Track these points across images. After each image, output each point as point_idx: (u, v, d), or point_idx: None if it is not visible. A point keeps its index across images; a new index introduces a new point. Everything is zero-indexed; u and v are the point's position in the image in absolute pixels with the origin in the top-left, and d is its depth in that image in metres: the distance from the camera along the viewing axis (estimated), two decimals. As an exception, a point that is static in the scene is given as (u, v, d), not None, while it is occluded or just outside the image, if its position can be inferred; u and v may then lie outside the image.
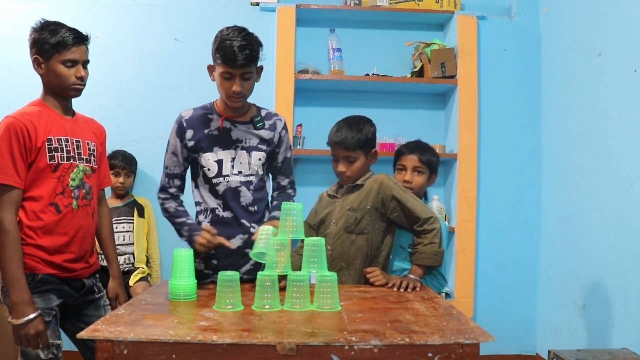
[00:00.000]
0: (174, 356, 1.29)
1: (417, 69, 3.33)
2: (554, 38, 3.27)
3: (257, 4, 3.38)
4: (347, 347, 1.29)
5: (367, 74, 3.30)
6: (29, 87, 3.29)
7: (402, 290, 1.87)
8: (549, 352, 2.27)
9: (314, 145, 3.20)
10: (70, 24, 3.36)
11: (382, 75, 3.28)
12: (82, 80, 1.85)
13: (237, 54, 1.82)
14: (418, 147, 2.28)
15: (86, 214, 1.89)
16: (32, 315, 1.70)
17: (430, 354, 1.30)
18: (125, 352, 1.29)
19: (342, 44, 3.30)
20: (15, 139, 1.72)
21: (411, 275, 1.96)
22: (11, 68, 3.30)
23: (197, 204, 2.02)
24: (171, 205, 1.99)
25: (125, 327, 1.36)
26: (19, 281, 1.70)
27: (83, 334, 1.33)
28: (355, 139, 2.02)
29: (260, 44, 1.91)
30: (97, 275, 2.01)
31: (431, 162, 2.25)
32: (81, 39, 1.85)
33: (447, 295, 3.23)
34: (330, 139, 2.09)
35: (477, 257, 3.35)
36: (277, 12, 3.25)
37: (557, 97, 3.21)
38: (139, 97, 3.34)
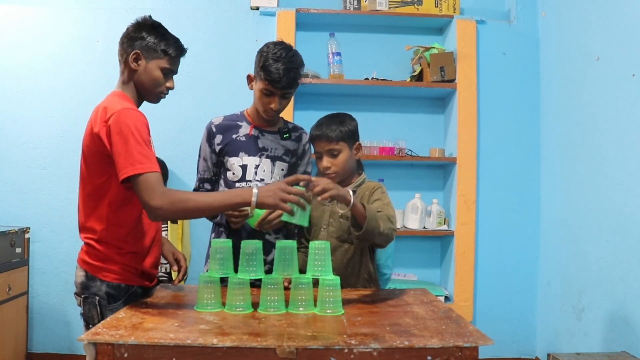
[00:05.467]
0: (174, 359, 1.29)
1: (416, 73, 3.34)
2: (552, 42, 3.28)
3: (257, 9, 3.39)
4: (346, 351, 1.29)
5: (367, 78, 3.32)
6: (29, 91, 3.32)
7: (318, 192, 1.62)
8: (549, 355, 2.27)
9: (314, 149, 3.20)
10: (70, 28, 3.43)
11: (381, 80, 3.29)
12: (168, 91, 1.83)
13: (282, 76, 1.86)
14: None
15: None
16: (255, 190, 1.58)
17: (429, 357, 1.31)
18: (125, 355, 1.30)
19: (341, 48, 3.31)
20: (145, 130, 1.64)
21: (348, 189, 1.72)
22: (13, 72, 3.32)
23: None
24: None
25: (126, 331, 1.36)
26: (220, 203, 1.62)
27: (84, 338, 1.33)
28: (336, 130, 1.93)
29: (303, 65, 1.97)
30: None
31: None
32: (184, 51, 1.83)
33: (447, 298, 3.24)
34: (310, 135, 2.00)
35: (477, 260, 3.35)
36: (277, 17, 3.26)
37: (556, 101, 3.22)
38: (139, 101, 3.36)
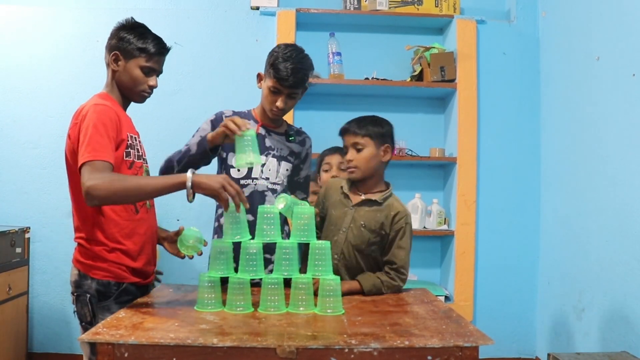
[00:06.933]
0: (174, 359, 1.29)
1: (416, 73, 3.34)
2: (552, 42, 3.28)
3: (257, 8, 3.39)
4: (347, 350, 1.29)
5: (367, 78, 3.31)
6: (29, 91, 3.32)
7: None
8: (549, 355, 2.27)
9: (314, 149, 3.20)
10: (70, 28, 3.42)
11: (381, 79, 3.29)
12: (152, 89, 1.84)
13: (289, 75, 1.89)
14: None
15: (154, 214, 1.90)
16: (189, 173, 1.59)
17: (429, 357, 1.31)
18: (125, 355, 1.30)
19: (341, 48, 3.31)
20: (110, 124, 1.66)
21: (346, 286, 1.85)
22: (13, 72, 3.31)
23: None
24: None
25: (126, 330, 1.36)
26: (159, 182, 1.62)
27: (84, 337, 1.33)
28: (365, 127, 1.93)
29: (312, 68, 2.00)
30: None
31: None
32: (165, 50, 1.85)
33: (447, 298, 3.24)
34: (341, 129, 2.00)
35: (477, 260, 3.35)
36: (277, 16, 3.26)
37: (556, 101, 3.22)
38: (139, 100, 3.35)
